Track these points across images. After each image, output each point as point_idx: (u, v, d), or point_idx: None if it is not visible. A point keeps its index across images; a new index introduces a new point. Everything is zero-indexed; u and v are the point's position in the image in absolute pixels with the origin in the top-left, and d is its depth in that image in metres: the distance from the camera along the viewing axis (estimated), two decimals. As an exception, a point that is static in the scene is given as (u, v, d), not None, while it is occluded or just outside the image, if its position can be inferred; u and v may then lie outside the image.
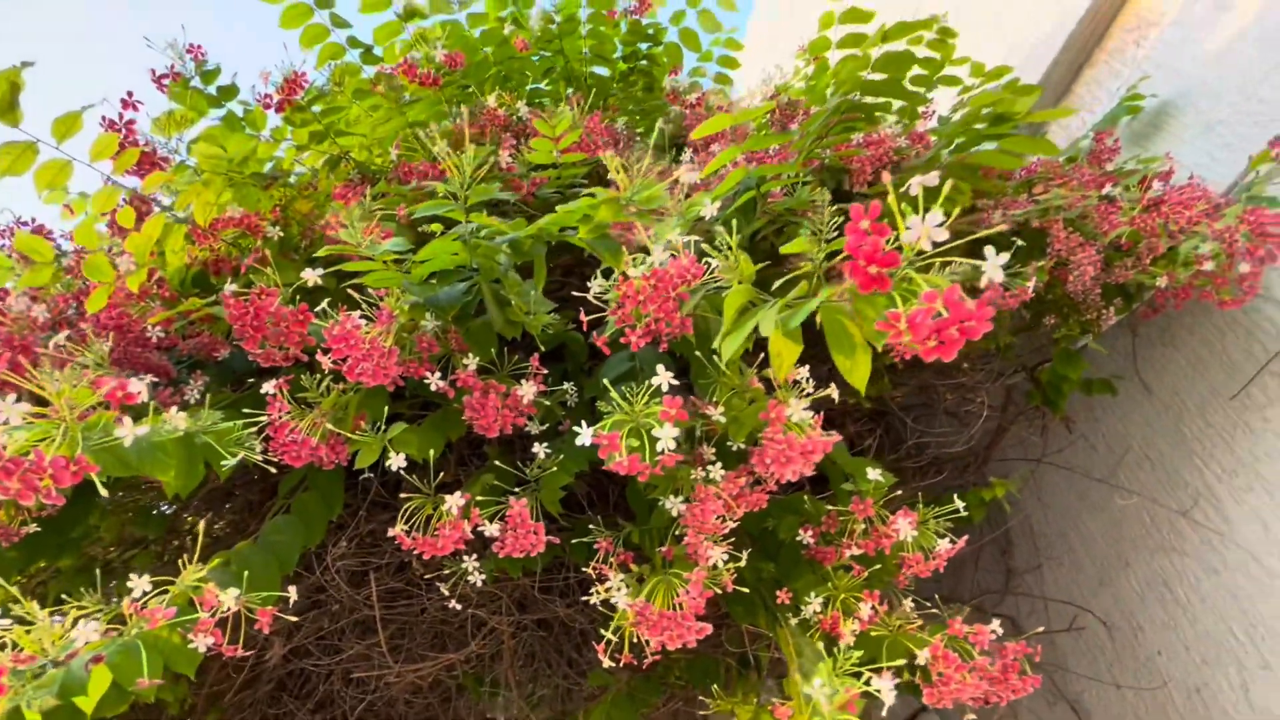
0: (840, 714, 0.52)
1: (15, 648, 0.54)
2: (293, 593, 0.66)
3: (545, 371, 0.72)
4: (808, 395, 0.59)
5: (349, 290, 0.69)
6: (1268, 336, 0.90)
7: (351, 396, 0.70)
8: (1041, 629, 1.16)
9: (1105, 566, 1.09)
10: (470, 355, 0.71)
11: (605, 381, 0.57)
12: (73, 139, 0.72)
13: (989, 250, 0.34)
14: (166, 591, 0.60)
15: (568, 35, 1.20)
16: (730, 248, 0.53)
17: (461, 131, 0.87)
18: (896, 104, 0.95)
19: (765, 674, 0.96)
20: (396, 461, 0.66)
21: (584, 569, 0.71)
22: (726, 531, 0.66)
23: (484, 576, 0.75)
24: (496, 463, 0.73)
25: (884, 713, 0.58)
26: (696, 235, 0.58)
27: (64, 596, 0.60)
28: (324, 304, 0.66)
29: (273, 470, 0.65)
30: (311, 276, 0.64)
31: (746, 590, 0.74)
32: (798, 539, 0.75)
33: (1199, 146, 1.04)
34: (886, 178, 0.37)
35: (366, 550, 0.89)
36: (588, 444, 0.54)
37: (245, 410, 0.66)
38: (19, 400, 0.49)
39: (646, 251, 0.57)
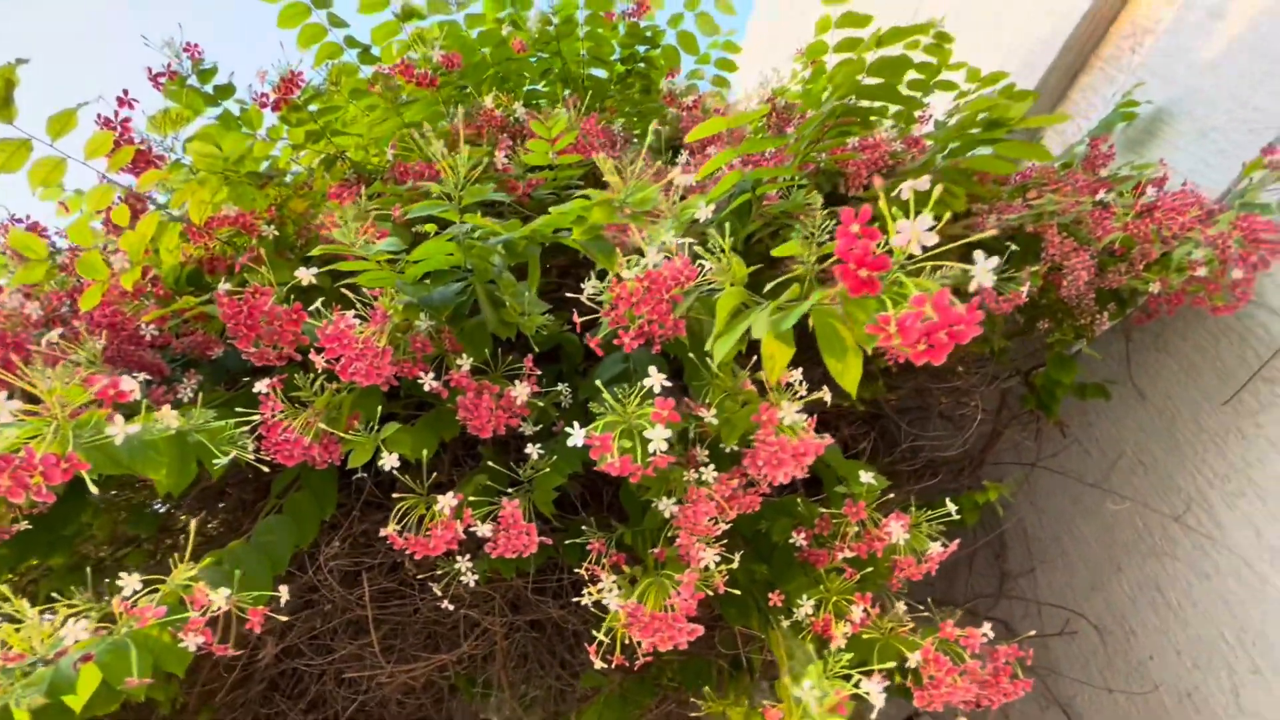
0: (830, 716, 0.52)
1: (5, 646, 0.54)
2: (284, 592, 0.66)
3: (539, 372, 0.72)
4: (800, 398, 0.59)
5: (344, 290, 0.69)
6: (1260, 342, 0.90)
7: (345, 396, 0.70)
8: (1034, 632, 1.16)
9: (1098, 570, 1.10)
10: (464, 355, 0.71)
11: (598, 383, 0.57)
12: (68, 137, 0.72)
13: (978, 255, 0.35)
14: (157, 590, 0.60)
15: (565, 37, 1.20)
16: (723, 250, 0.54)
17: (458, 132, 0.88)
18: (893, 108, 0.96)
19: (758, 676, 0.96)
20: (389, 461, 0.66)
21: (577, 570, 0.71)
22: (719, 533, 0.66)
23: (477, 577, 0.75)
24: (490, 463, 0.73)
25: (874, 716, 0.58)
26: (691, 238, 0.58)
27: (54, 595, 0.60)
28: (318, 303, 0.66)
29: (265, 469, 0.65)
30: (306, 276, 0.64)
31: (739, 592, 0.74)
32: (791, 541, 0.75)
33: (1193, 153, 1.04)
34: (879, 182, 0.37)
35: (359, 550, 0.89)
36: (580, 445, 0.54)
37: (238, 409, 0.65)
38: (11, 397, 0.49)
39: (641, 253, 0.58)
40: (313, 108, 0.98)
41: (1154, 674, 0.98)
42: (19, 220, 0.93)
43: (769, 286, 0.49)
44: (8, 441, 0.49)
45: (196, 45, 0.94)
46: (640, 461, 0.53)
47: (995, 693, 0.71)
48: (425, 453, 0.68)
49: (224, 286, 0.67)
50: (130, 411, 0.56)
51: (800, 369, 0.61)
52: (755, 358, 0.55)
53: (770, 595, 0.73)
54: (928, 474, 1.14)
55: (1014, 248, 0.87)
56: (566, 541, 0.79)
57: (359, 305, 0.67)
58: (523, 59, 1.22)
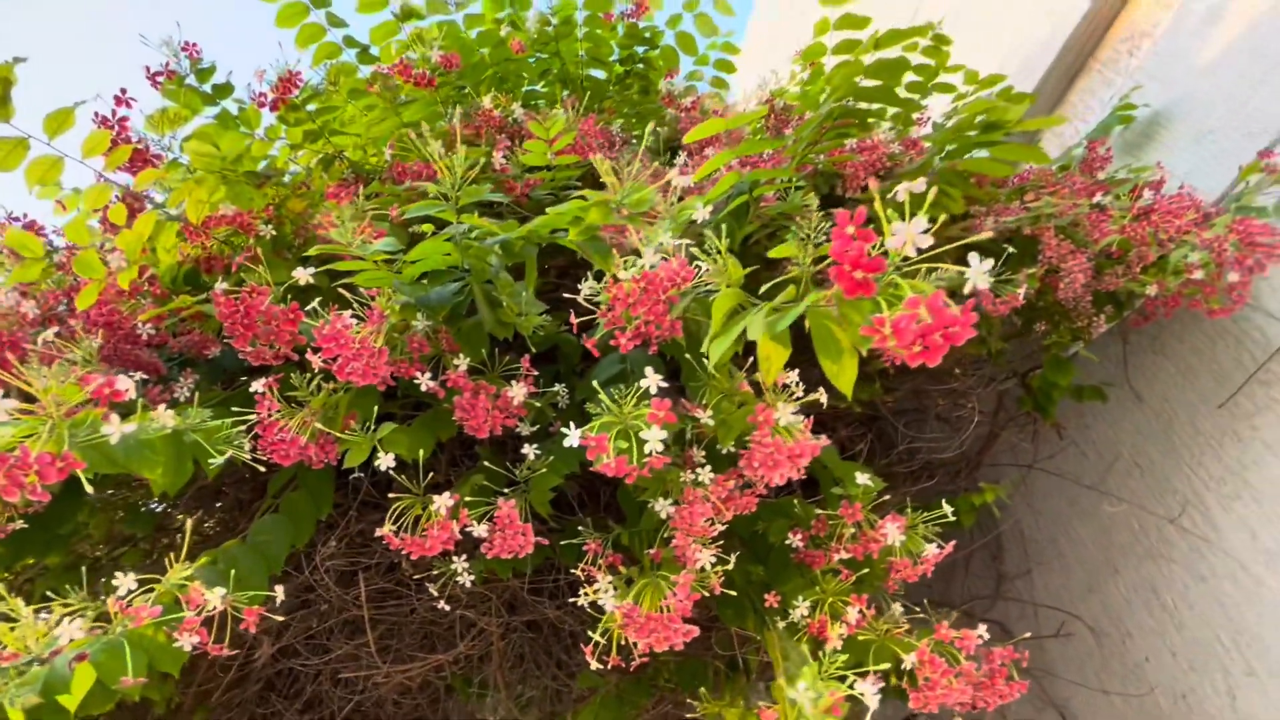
0: (824, 717, 0.52)
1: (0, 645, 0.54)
2: (280, 592, 0.66)
3: (536, 373, 0.72)
4: (797, 399, 0.60)
5: (341, 289, 0.69)
6: (1256, 345, 0.90)
7: (341, 396, 0.70)
8: (1029, 634, 1.16)
9: (1094, 572, 1.10)
10: (461, 356, 0.71)
11: (594, 383, 0.57)
12: (65, 136, 0.72)
13: (973, 257, 0.35)
14: (152, 590, 0.60)
15: (564, 38, 1.20)
16: (719, 251, 0.54)
17: (456, 132, 0.88)
18: (892, 110, 0.96)
19: (754, 677, 0.96)
20: (385, 461, 0.66)
21: (574, 571, 0.71)
22: (715, 534, 0.66)
23: (473, 577, 0.75)
24: (487, 463, 0.73)
25: (870, 718, 0.58)
26: (688, 239, 0.58)
27: (50, 594, 0.60)
28: (315, 303, 0.66)
29: (262, 469, 0.65)
30: (303, 275, 0.64)
31: (735, 593, 0.74)
32: (787, 543, 0.75)
33: (1190, 156, 1.04)
34: (874, 184, 0.37)
35: (356, 550, 0.89)
36: (576, 445, 0.54)
37: (235, 408, 0.65)
38: (7, 396, 0.49)
39: (638, 254, 0.58)
40: (311, 107, 0.98)
41: (1150, 676, 0.99)
42: (16, 219, 0.93)
43: (764, 288, 0.49)
44: (3, 440, 0.49)
45: (195, 44, 0.94)
46: (636, 462, 0.53)
47: (991, 694, 0.71)
48: (422, 453, 0.68)
49: (221, 286, 0.67)
50: (126, 410, 0.56)
51: (797, 370, 0.61)
52: (752, 359, 0.55)
53: (766, 596, 0.73)
54: (925, 476, 1.14)
55: (1011, 250, 0.87)
56: (563, 542, 0.79)
57: (356, 305, 0.67)
58: (521, 59, 1.22)
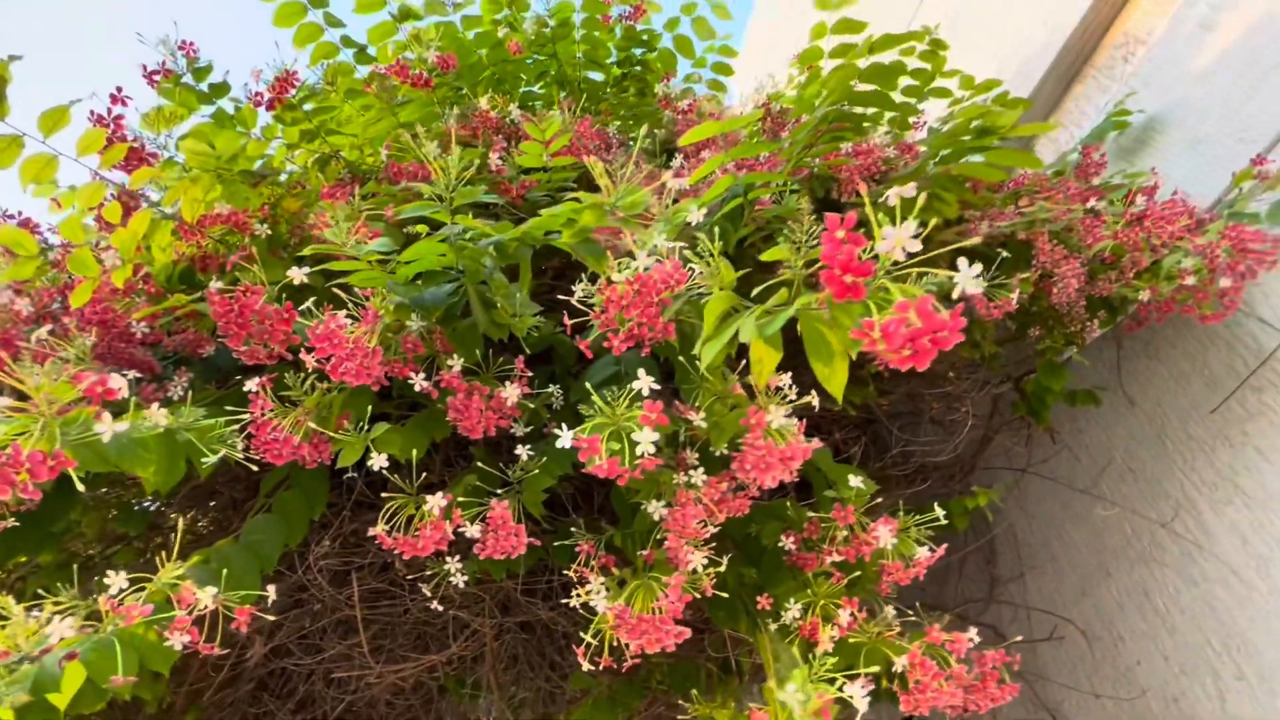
0: (813, 719, 0.52)
1: (-11, 643, 0.54)
2: (272, 592, 0.66)
3: (530, 374, 0.72)
4: (789, 402, 0.60)
5: (336, 289, 0.69)
6: (1248, 351, 0.91)
7: (335, 396, 0.70)
8: (1020, 638, 1.17)
9: (1087, 576, 1.10)
10: (455, 356, 0.71)
11: (588, 385, 0.57)
12: (61, 134, 0.72)
13: (962, 262, 0.35)
14: (144, 588, 0.60)
15: (562, 40, 1.20)
16: (712, 254, 0.54)
17: (451, 133, 0.88)
18: (889, 114, 0.96)
19: (747, 679, 0.97)
20: (378, 461, 0.66)
21: (567, 572, 0.72)
22: (707, 536, 0.66)
23: (466, 578, 0.75)
24: (480, 464, 0.73)
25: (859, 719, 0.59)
26: (683, 241, 0.58)
27: (41, 592, 0.60)
28: (309, 303, 0.66)
29: (255, 468, 0.65)
30: (298, 275, 0.64)
31: (728, 595, 0.74)
32: (780, 545, 0.75)
33: (1184, 162, 1.05)
34: (863, 188, 0.38)
35: (349, 550, 0.89)
36: (569, 447, 0.54)
37: (228, 407, 0.65)
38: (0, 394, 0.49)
39: (633, 256, 0.58)
40: (307, 107, 0.98)
41: (1141, 679, 0.99)
42: (10, 216, 0.93)
43: (756, 291, 0.49)
44: (-6, 438, 0.49)
45: (192, 43, 0.94)
46: (628, 464, 0.54)
47: (982, 697, 0.72)
48: (415, 453, 0.68)
49: (216, 284, 0.67)
50: (119, 409, 0.56)
51: (790, 373, 0.61)
52: (745, 361, 0.55)
53: (759, 598, 0.73)
54: (919, 479, 1.14)
55: (1005, 255, 0.88)
56: (557, 543, 0.79)
57: (351, 305, 0.67)
58: (519, 61, 1.22)
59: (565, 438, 0.54)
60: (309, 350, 0.63)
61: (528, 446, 0.72)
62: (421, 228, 0.70)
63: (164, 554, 0.63)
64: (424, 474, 0.68)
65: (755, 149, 0.85)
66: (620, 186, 0.58)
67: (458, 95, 1.17)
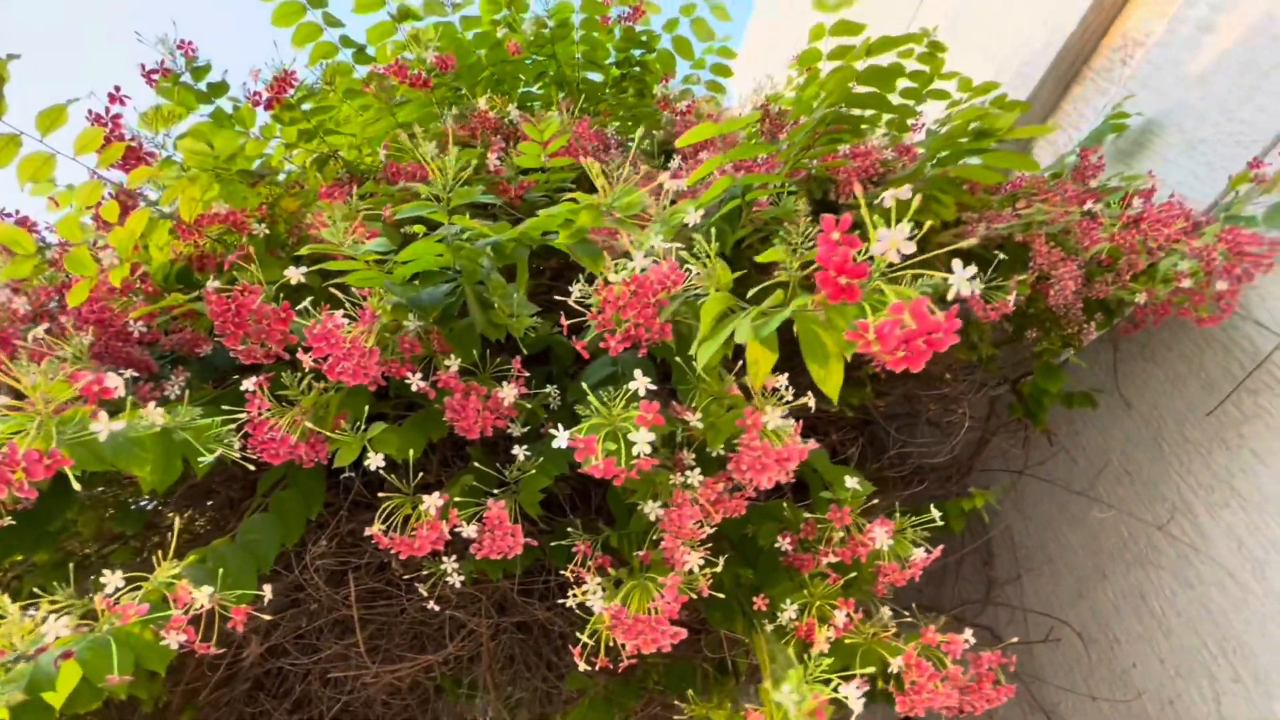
0: (808, 720, 0.52)
1: (-15, 641, 0.54)
2: (268, 591, 0.66)
3: (527, 374, 0.72)
4: (786, 403, 0.60)
5: (333, 289, 0.69)
6: (1245, 354, 0.91)
7: (332, 395, 0.70)
8: (1015, 639, 1.17)
9: (1083, 578, 1.10)
10: (452, 356, 0.71)
11: (584, 385, 0.57)
12: (59, 133, 0.72)
13: (956, 263, 0.35)
14: (140, 587, 0.60)
15: (560, 40, 1.21)
16: (709, 255, 0.54)
17: (449, 133, 0.88)
18: (886, 116, 0.96)
19: (744, 680, 0.97)
20: (375, 461, 0.66)
21: (564, 572, 0.72)
22: (704, 537, 0.66)
23: (463, 578, 0.75)
24: (477, 464, 0.73)
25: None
26: (681, 242, 0.58)
27: (37, 591, 0.60)
28: (307, 302, 0.66)
29: (252, 468, 0.65)
30: (295, 274, 0.64)
31: (724, 596, 0.74)
32: (776, 546, 0.75)
33: (1182, 165, 1.05)
34: (858, 190, 0.38)
35: (346, 550, 0.89)
36: (565, 447, 0.54)
37: (225, 407, 0.65)
38: (-6, 393, 0.49)
39: (629, 257, 0.58)
40: (306, 106, 0.98)
41: (1137, 682, 0.99)
42: (8, 215, 0.93)
43: (752, 292, 0.49)
44: (-10, 437, 0.49)
45: (190, 42, 0.94)
46: (624, 464, 0.54)
47: (978, 698, 0.72)
48: (412, 453, 0.69)
49: (213, 284, 0.67)
50: (116, 408, 0.56)
51: (787, 374, 0.61)
52: (742, 362, 0.56)
53: (755, 599, 0.73)
54: (916, 480, 1.14)
55: (1003, 257, 0.88)
56: (553, 544, 0.79)
57: (348, 305, 0.67)
58: (518, 61, 1.23)
59: (561, 438, 0.54)
60: (306, 350, 0.63)
61: (524, 447, 0.72)
62: (419, 228, 0.70)
63: (161, 553, 0.63)
64: (421, 474, 0.69)
65: (753, 150, 0.85)
66: (617, 187, 0.58)
67: (456, 95, 1.17)
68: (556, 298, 0.62)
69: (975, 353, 0.98)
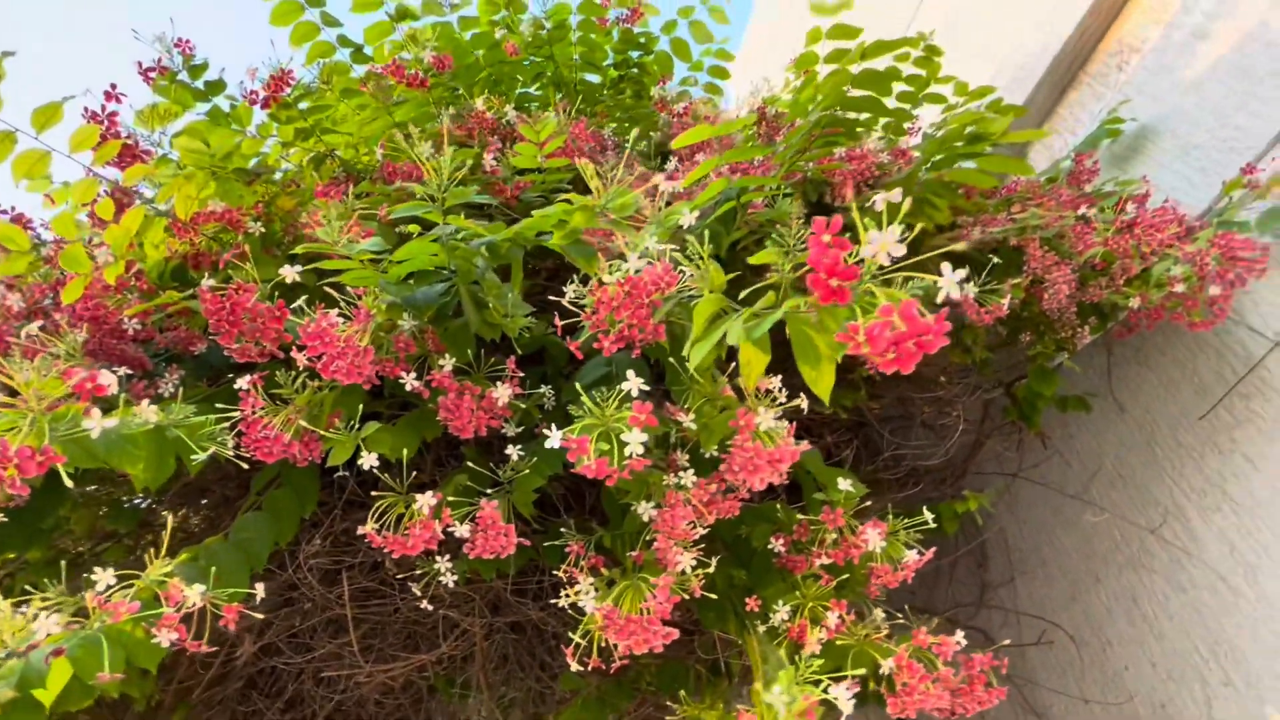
0: (798, 721, 0.52)
1: (-25, 638, 0.54)
2: (260, 590, 0.66)
3: (522, 374, 0.72)
4: (779, 404, 0.60)
5: (327, 288, 0.69)
6: (1237, 359, 0.91)
7: (326, 394, 0.70)
8: (1008, 641, 1.17)
9: (1076, 581, 1.10)
10: (447, 356, 0.71)
11: (577, 385, 0.57)
12: (55, 130, 0.72)
13: (945, 266, 0.35)
14: (132, 585, 0.60)
15: (558, 41, 1.21)
16: (702, 257, 0.54)
17: (446, 133, 0.88)
18: (884, 120, 0.97)
19: (737, 681, 0.97)
20: (369, 460, 0.66)
21: (558, 572, 0.72)
22: (697, 538, 0.66)
23: (456, 578, 0.75)
24: (471, 464, 0.73)
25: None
26: (675, 244, 0.59)
27: (28, 588, 0.60)
28: (301, 301, 0.66)
29: (245, 466, 0.65)
30: (290, 273, 0.64)
31: (717, 597, 0.74)
32: (770, 547, 0.75)
33: (1176, 171, 1.06)
34: (850, 193, 0.38)
35: (340, 549, 0.89)
36: (557, 446, 0.54)
37: (219, 405, 0.65)
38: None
39: (624, 258, 0.58)
40: (303, 105, 0.98)
41: (1129, 685, 0.99)
42: (4, 211, 0.93)
43: (744, 293, 0.49)
44: (-17, 433, 0.49)
45: (188, 40, 0.94)
46: (617, 464, 0.54)
47: (970, 700, 0.72)
48: (406, 452, 0.69)
49: (208, 282, 0.67)
50: (109, 405, 0.56)
51: (780, 376, 0.61)
52: (736, 364, 0.56)
53: (748, 600, 0.73)
54: (910, 483, 1.14)
55: (997, 260, 0.88)
56: (547, 544, 0.79)
57: (343, 304, 0.67)
58: (516, 62, 1.23)
59: (554, 438, 0.54)
60: (300, 348, 0.63)
61: (519, 447, 0.72)
62: (414, 227, 0.70)
63: (153, 551, 0.63)
64: (416, 473, 0.69)
65: (748, 153, 0.85)
66: (611, 188, 0.58)
67: (454, 96, 1.17)
68: (552, 298, 0.63)
69: (970, 356, 0.98)
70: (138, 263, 0.83)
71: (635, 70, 1.31)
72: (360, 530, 0.65)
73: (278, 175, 0.99)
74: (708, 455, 0.69)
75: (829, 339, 0.42)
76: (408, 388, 0.69)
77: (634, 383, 0.55)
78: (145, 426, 0.59)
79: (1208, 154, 1.02)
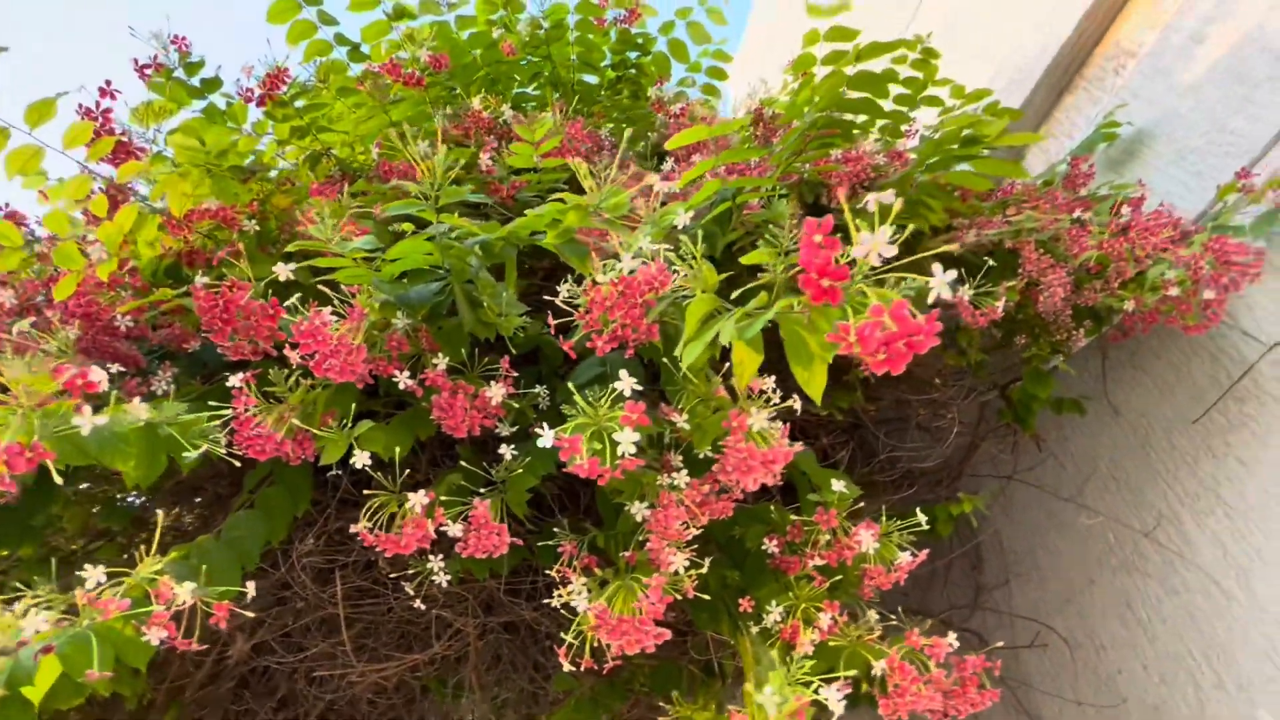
0: (789, 722, 0.52)
1: (-37, 636, 0.54)
2: (251, 588, 0.65)
3: (516, 374, 0.72)
4: (772, 405, 0.60)
5: (322, 286, 0.69)
6: (1232, 362, 0.91)
7: (320, 393, 0.70)
8: (1001, 643, 1.17)
9: (1070, 584, 1.11)
10: (440, 355, 0.71)
11: (570, 385, 0.57)
12: (49, 126, 0.71)
13: (936, 267, 0.35)
14: (122, 583, 0.60)
15: (555, 41, 1.21)
16: (695, 257, 0.54)
17: (443, 132, 0.88)
18: (880, 122, 0.97)
19: (729, 681, 0.97)
20: (362, 459, 0.66)
21: (551, 572, 0.71)
22: (690, 538, 0.66)
23: (450, 577, 0.75)
24: (464, 463, 0.73)
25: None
26: (670, 244, 0.59)
27: (19, 585, 0.59)
28: (295, 299, 0.66)
29: (238, 464, 0.65)
30: (284, 271, 0.64)
31: (710, 598, 0.74)
32: (763, 548, 0.75)
33: (1171, 175, 1.06)
34: (841, 194, 0.38)
35: (333, 547, 0.89)
36: (550, 446, 0.54)
37: (212, 403, 0.65)
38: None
39: (618, 258, 0.58)
40: (299, 103, 0.98)
41: (1122, 688, 0.99)
42: (-2, 208, 0.93)
43: (736, 293, 0.49)
44: (-29, 429, 0.49)
45: (184, 38, 0.94)
46: (609, 464, 0.54)
47: (962, 702, 0.72)
48: (399, 451, 0.68)
49: (201, 279, 0.67)
50: (100, 403, 0.55)
51: (774, 377, 0.61)
52: (728, 364, 0.56)
53: (741, 601, 0.73)
54: (905, 484, 1.14)
55: (992, 263, 0.88)
56: (540, 544, 0.79)
57: (337, 302, 0.67)
58: (513, 62, 1.23)
59: (547, 437, 0.54)
60: (294, 346, 0.63)
61: (512, 446, 0.72)
62: (408, 226, 0.70)
63: (143, 549, 0.63)
64: (410, 472, 0.68)
65: (744, 154, 0.85)
66: (604, 188, 0.58)
67: (450, 95, 1.17)
68: (547, 298, 0.62)
69: (965, 358, 0.99)
70: (131, 260, 0.83)
71: (633, 71, 1.31)
72: (353, 529, 0.65)
73: (273, 173, 0.99)
74: (701, 456, 0.69)
75: (820, 339, 0.42)
76: (401, 386, 0.69)
77: (627, 382, 0.55)
78: (136, 424, 0.58)
79: (1203, 158, 1.02)
